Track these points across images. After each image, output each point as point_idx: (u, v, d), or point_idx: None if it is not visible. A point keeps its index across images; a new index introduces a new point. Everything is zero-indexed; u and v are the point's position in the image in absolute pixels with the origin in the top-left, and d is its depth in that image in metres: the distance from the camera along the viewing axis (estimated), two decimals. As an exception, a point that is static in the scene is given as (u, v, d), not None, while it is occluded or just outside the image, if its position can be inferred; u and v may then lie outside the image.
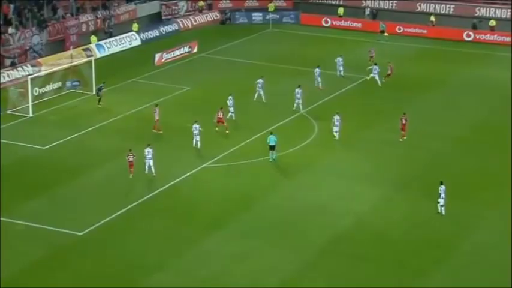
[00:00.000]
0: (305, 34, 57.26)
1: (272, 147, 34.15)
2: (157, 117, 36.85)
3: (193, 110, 38.78)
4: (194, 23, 58.62)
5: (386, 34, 56.22)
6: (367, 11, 60.14)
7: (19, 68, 45.20)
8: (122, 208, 29.68)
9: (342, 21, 59.39)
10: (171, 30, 56.66)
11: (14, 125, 38.51)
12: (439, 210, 29.56)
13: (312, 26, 58.85)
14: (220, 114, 36.74)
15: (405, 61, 50.85)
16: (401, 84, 46.01)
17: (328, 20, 59.37)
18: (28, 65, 45.83)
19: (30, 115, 39.48)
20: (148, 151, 32.18)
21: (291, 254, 26.81)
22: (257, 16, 60.24)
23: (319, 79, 44.15)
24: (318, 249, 27.17)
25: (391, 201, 31.04)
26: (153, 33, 55.16)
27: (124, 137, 36.12)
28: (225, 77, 46.13)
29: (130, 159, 32.03)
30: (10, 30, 47.11)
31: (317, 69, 44.49)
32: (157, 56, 49.00)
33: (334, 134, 36.63)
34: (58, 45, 49.50)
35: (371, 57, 48.85)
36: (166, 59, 49.44)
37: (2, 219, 28.58)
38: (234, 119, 38.28)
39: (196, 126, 34.85)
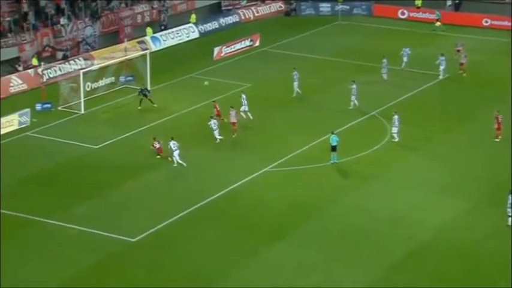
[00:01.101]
0: (378, 27, 56.77)
1: (334, 148, 34.07)
2: (234, 120, 36.92)
3: (256, 109, 38.91)
4: (256, 14, 58.95)
5: (439, 24, 55.14)
6: (449, 2, 59.09)
7: (71, 62, 46.37)
8: (177, 213, 30.08)
9: (420, 13, 58.60)
10: (231, 22, 57.13)
11: (66, 122, 39.58)
12: (509, 223, 28.75)
13: (386, 18, 58.32)
14: (218, 107, 37.86)
15: (492, 57, 49.79)
16: (487, 83, 45.10)
17: (405, 11, 58.68)
18: (80, 58, 46.95)
19: (82, 112, 40.47)
20: (173, 143, 33.55)
21: (359, 268, 26.62)
22: (325, 7, 60.08)
23: (384, 70, 44.45)
24: (391, 264, 26.88)
25: (475, 212, 30.42)
26: (212, 25, 55.74)
27: (179, 137, 36.55)
28: (290, 74, 46.12)
29: (157, 146, 33.75)
30: (62, 21, 48.39)
31: (384, 60, 44.75)
32: (217, 49, 49.47)
33: (393, 135, 36.26)
34: (112, 38, 50.61)
35: (458, 50, 48.09)
36: (226, 53, 49.87)
37: (54, 222, 29.42)
38: (251, 118, 38.23)
39: (214, 121, 36.14)
